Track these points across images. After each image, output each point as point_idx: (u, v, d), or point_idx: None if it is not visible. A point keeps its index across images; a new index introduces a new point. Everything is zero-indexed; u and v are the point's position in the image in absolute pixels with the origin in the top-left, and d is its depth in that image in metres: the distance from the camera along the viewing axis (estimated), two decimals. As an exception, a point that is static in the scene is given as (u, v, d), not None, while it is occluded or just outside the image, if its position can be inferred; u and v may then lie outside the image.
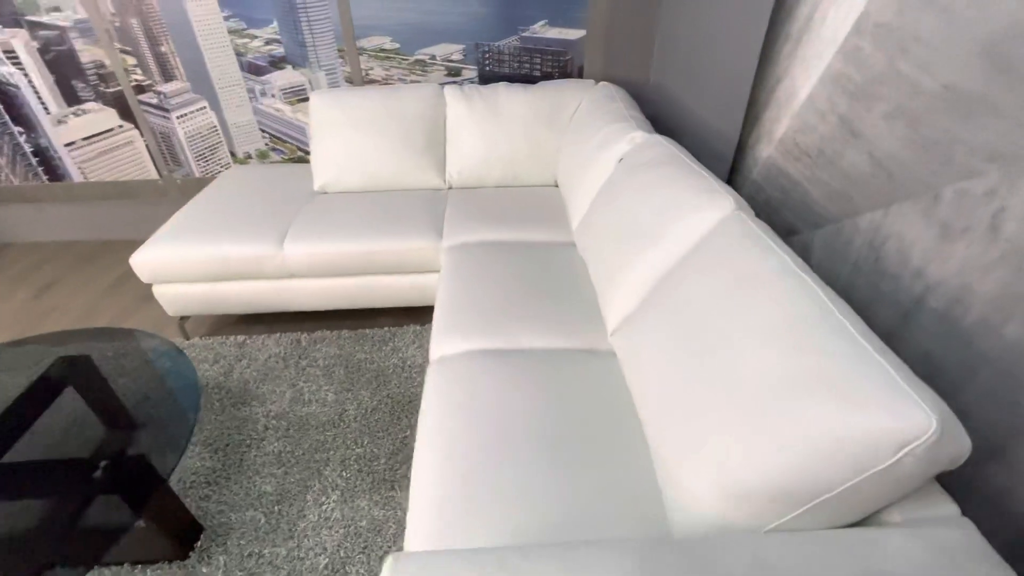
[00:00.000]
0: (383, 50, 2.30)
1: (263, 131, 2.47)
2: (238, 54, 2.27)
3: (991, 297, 0.85)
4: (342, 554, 1.31)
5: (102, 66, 2.28)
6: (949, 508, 0.75)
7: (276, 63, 2.30)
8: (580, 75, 2.39)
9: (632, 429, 1.10)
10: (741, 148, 1.63)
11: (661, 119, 2.22)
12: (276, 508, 1.42)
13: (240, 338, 2.01)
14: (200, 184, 2.60)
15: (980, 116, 0.85)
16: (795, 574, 0.64)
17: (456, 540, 0.89)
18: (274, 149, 2.53)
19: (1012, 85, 0.79)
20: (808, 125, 1.30)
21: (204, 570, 1.28)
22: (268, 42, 2.25)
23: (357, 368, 1.87)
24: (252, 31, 2.22)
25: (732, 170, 1.72)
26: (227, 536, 1.35)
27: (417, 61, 2.33)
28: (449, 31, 2.27)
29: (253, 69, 2.31)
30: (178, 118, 2.40)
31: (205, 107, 2.39)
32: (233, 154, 2.53)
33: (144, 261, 1.80)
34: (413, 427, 1.65)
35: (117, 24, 2.18)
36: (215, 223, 1.90)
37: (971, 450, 0.66)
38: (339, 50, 2.28)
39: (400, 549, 1.30)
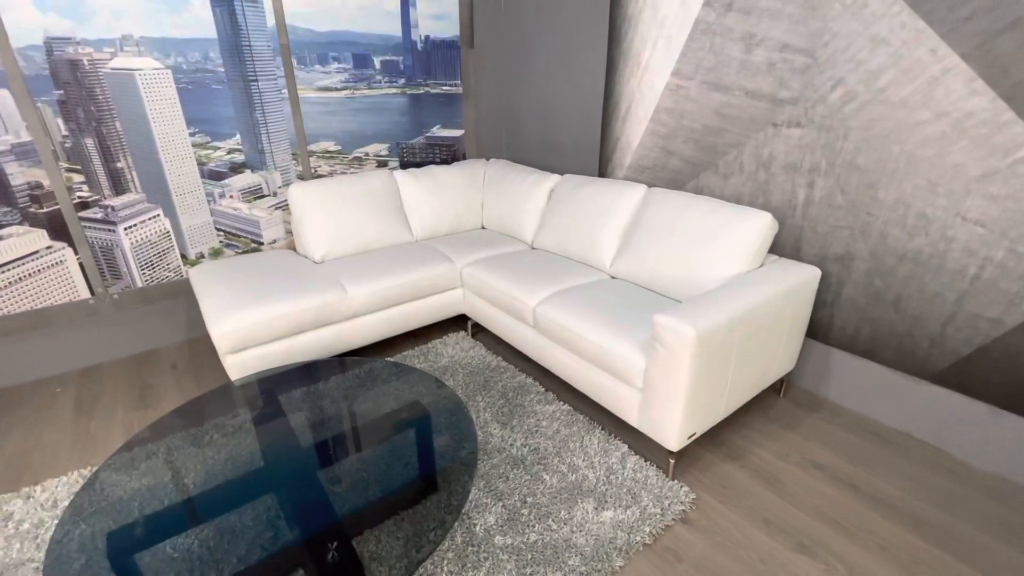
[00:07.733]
0: (328, 151, 2.91)
1: (219, 230, 2.67)
2: (200, 163, 2.53)
3: (748, 191, 2.30)
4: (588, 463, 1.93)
5: (38, 187, 2.19)
6: (774, 257, 2.09)
7: (236, 168, 2.64)
8: (465, 158, 3.47)
9: (646, 296, 2.18)
10: (603, 174, 2.98)
11: (528, 177, 3.46)
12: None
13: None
14: (142, 295, 2.53)
15: (723, 132, 2.33)
16: (735, 295, 1.85)
17: (640, 334, 1.79)
18: (228, 245, 2.72)
19: (730, 121, 2.28)
20: (644, 155, 2.71)
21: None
22: (230, 151, 2.59)
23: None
24: (216, 143, 2.54)
25: (597, 191, 3.05)
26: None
27: (355, 158, 3.01)
28: (378, 135, 3.06)
29: (213, 175, 2.58)
30: (125, 229, 2.41)
31: (158, 215, 2.48)
32: (184, 256, 2.61)
33: (226, 332, 1.96)
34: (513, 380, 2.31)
35: (68, 145, 2.20)
36: (261, 292, 2.16)
37: (779, 226, 2.02)
38: (293, 154, 2.79)
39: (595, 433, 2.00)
